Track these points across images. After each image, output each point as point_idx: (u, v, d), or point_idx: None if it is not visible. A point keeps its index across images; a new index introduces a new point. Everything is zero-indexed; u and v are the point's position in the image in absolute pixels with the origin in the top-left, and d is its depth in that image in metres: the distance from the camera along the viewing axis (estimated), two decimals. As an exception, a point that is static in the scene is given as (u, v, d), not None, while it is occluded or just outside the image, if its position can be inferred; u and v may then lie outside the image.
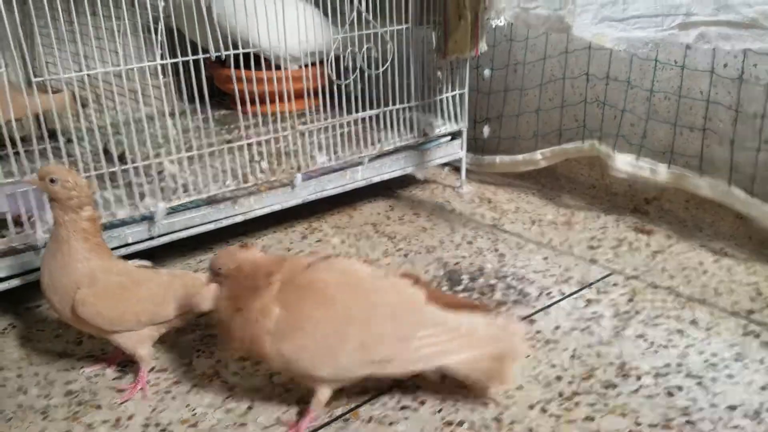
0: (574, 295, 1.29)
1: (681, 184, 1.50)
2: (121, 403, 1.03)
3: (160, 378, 1.08)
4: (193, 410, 1.01)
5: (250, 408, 1.01)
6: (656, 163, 1.53)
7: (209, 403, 1.03)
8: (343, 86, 1.59)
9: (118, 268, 1.04)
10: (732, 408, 0.97)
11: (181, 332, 1.20)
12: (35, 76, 1.24)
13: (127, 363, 1.12)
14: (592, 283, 1.33)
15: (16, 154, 1.18)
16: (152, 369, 1.11)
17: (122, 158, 1.34)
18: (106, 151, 1.36)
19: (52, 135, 1.45)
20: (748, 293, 1.27)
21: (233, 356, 1.12)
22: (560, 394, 1.01)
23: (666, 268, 1.38)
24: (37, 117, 1.38)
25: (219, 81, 1.85)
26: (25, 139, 1.24)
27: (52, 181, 0.97)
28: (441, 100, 1.75)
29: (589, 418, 0.96)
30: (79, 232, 0.98)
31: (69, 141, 1.36)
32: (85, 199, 0.99)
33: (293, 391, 1.04)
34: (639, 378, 1.04)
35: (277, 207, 1.53)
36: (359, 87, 1.62)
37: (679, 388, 1.02)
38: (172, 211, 1.37)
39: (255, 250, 0.95)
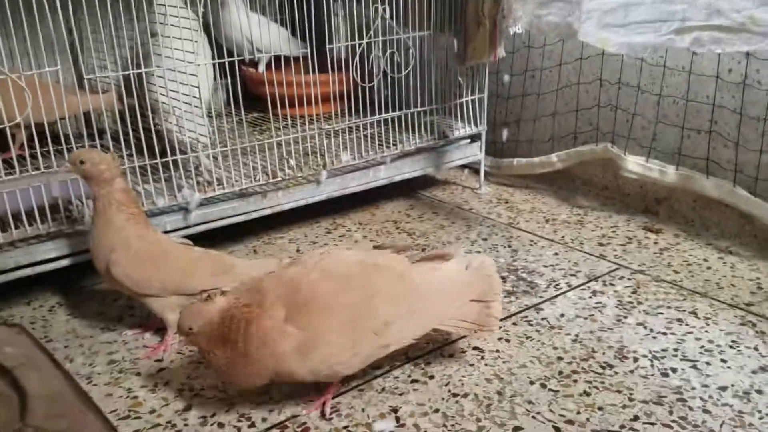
0: (581, 287, 1.36)
1: (689, 185, 1.56)
2: (144, 359, 1.16)
3: (195, 350, 1.19)
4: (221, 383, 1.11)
5: (273, 379, 1.11)
6: (665, 164, 1.60)
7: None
8: (367, 89, 1.69)
9: (151, 238, 1.16)
10: (723, 388, 1.03)
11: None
12: (85, 75, 1.37)
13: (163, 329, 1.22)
14: (598, 277, 1.40)
15: (69, 149, 1.30)
16: (186, 343, 1.21)
17: (163, 153, 1.46)
18: (149, 147, 1.48)
19: (101, 132, 1.58)
20: (749, 287, 1.33)
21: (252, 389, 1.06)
22: (560, 372, 1.09)
23: (671, 263, 1.45)
24: (86, 114, 1.51)
25: (252, 85, 1.97)
26: (80, 136, 1.36)
27: (81, 162, 1.11)
28: (461, 104, 1.84)
29: (586, 393, 1.03)
30: (113, 203, 1.12)
31: (114, 137, 1.48)
32: (115, 171, 1.12)
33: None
34: (636, 360, 1.11)
35: (303, 202, 1.63)
36: (383, 90, 1.72)
37: (674, 370, 1.08)
38: (207, 202, 1.48)
39: (217, 298, 0.96)
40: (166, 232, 1.43)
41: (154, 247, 1.16)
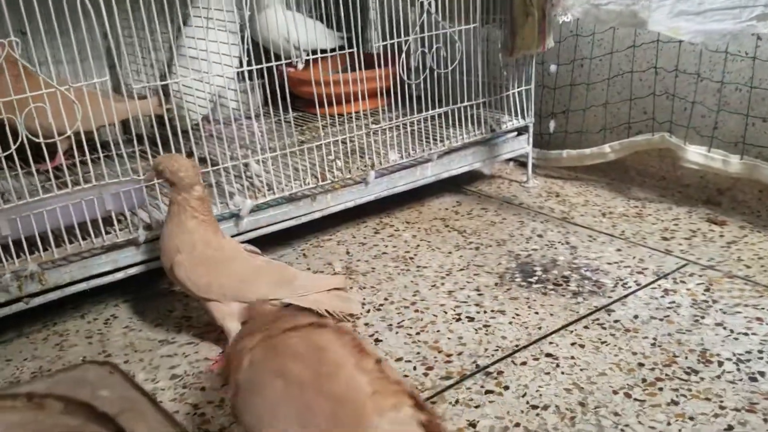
0: (651, 285, 1.31)
1: (754, 174, 1.49)
2: (210, 371, 1.14)
3: (256, 364, 1.15)
4: (290, 393, 1.07)
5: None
6: (728, 154, 1.53)
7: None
8: (413, 85, 1.64)
9: (216, 243, 1.16)
10: (819, 395, 0.98)
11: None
12: (125, 83, 1.34)
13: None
14: (668, 274, 1.35)
15: (119, 155, 1.28)
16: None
17: (204, 160, 1.42)
18: (190, 154, 1.45)
19: (140, 139, 1.55)
20: (829, 282, 1.27)
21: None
22: (643, 380, 1.04)
23: (741, 258, 1.39)
24: (126, 122, 1.48)
25: (292, 85, 1.93)
26: (117, 143, 1.33)
27: (162, 169, 1.12)
28: (507, 96, 1.78)
29: (674, 402, 0.98)
30: (188, 209, 1.13)
31: (154, 144, 1.45)
32: (194, 178, 1.13)
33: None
34: (721, 364, 1.06)
35: (351, 204, 1.59)
36: (428, 86, 1.67)
37: (762, 374, 1.03)
38: (257, 208, 1.44)
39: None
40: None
41: (217, 253, 1.15)
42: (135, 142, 1.56)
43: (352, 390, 0.70)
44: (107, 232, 1.26)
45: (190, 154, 1.43)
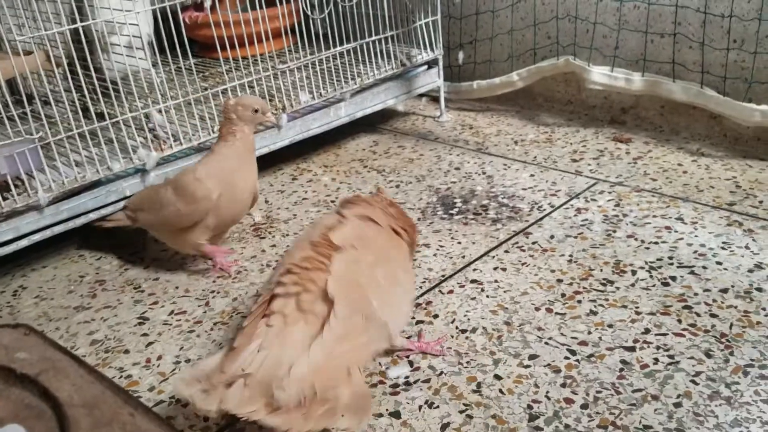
0: (564, 206, 1.35)
1: (655, 90, 1.55)
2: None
3: (181, 319, 1.12)
4: (220, 344, 1.05)
5: (272, 338, 1.06)
6: (630, 72, 1.58)
7: (233, 337, 1.07)
8: (319, 23, 1.58)
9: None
10: (724, 291, 1.04)
11: (194, 276, 1.23)
12: (5, 38, 1.23)
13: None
14: (579, 194, 1.39)
15: (10, 118, 1.18)
16: (172, 312, 1.14)
17: (102, 116, 1.34)
18: (86, 109, 1.36)
19: (30, 98, 1.44)
20: (728, 187, 1.35)
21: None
22: (563, 295, 1.07)
23: (647, 172, 1.45)
24: (10, 81, 1.36)
25: (188, 29, 1.83)
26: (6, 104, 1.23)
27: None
28: (415, 29, 1.76)
29: (593, 312, 1.03)
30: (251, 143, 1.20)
31: (47, 103, 1.35)
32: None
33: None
34: (634, 273, 1.11)
35: (265, 150, 1.55)
36: (334, 21, 1.62)
37: (673, 278, 1.09)
38: (164, 161, 1.38)
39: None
40: (125, 197, 1.33)
41: None
42: (25, 101, 1.45)
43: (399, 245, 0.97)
44: (4, 198, 1.17)
45: (86, 109, 1.35)
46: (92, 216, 1.30)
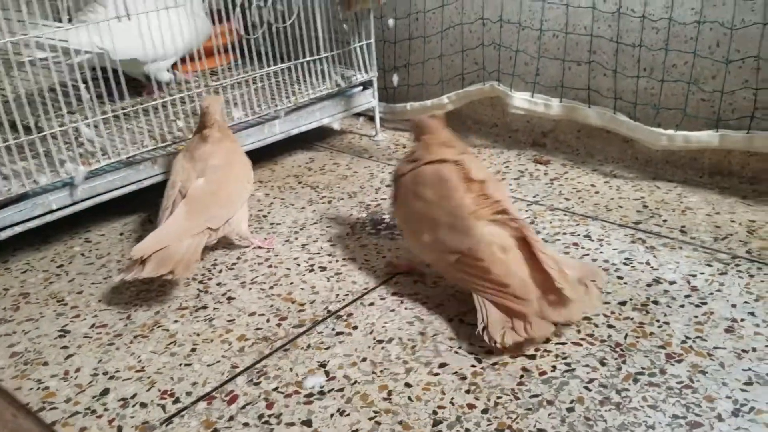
0: (485, 223, 1.41)
1: (572, 115, 1.64)
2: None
3: (102, 332, 1.13)
4: (138, 357, 1.06)
5: (193, 350, 1.08)
6: (549, 98, 1.67)
7: (153, 350, 1.08)
8: (252, 41, 1.62)
9: None
10: (623, 303, 1.12)
11: (116, 290, 1.25)
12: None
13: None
14: (499, 211, 1.46)
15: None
16: (93, 325, 1.15)
17: (29, 129, 1.34)
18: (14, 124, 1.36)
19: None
20: (635, 207, 1.43)
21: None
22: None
23: (562, 192, 1.53)
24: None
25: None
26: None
27: None
28: (350, 51, 1.82)
29: (502, 324, 1.08)
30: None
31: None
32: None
33: (233, 331, 1.12)
34: (543, 286, 1.17)
35: (198, 165, 1.57)
36: (270, 42, 1.66)
37: (578, 292, 1.16)
38: (93, 175, 1.39)
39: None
40: (51, 211, 1.34)
41: None
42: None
43: (460, 208, 1.08)
44: None
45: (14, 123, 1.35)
46: (18, 229, 1.30)
